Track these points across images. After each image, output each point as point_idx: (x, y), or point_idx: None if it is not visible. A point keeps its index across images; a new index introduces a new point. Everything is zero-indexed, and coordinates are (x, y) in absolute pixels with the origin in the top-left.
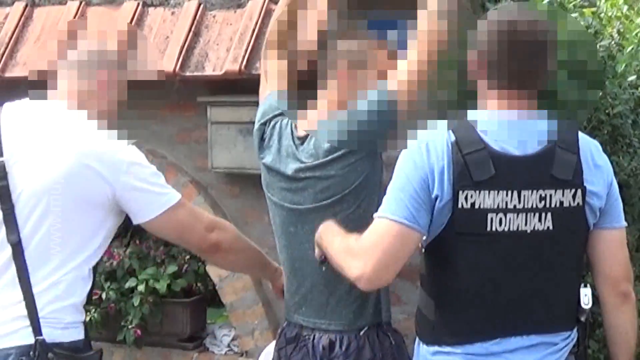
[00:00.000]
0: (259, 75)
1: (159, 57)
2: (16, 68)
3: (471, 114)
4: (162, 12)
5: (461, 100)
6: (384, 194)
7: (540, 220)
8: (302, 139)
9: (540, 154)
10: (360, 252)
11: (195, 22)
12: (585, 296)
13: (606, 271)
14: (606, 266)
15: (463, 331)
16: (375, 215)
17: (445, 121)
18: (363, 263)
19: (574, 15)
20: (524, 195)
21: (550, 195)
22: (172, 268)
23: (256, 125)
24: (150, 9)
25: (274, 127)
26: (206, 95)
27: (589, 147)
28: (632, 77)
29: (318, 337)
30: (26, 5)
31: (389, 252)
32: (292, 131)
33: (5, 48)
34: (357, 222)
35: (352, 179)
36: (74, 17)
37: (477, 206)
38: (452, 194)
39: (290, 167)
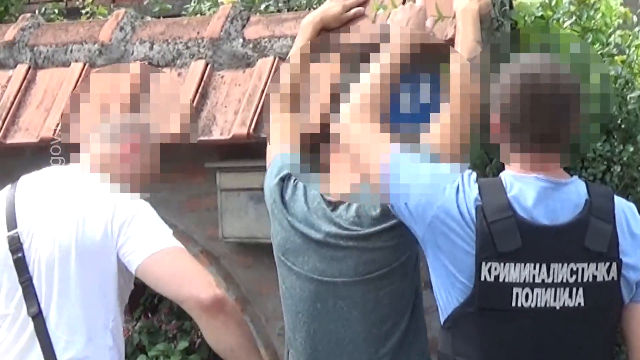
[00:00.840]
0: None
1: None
2: (18, 134)
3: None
4: (168, 72)
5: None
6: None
7: (570, 296)
8: (335, 203)
9: (573, 224)
10: None
11: (203, 83)
12: None
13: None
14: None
15: None
16: None
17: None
18: None
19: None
20: (554, 269)
21: (583, 269)
22: (183, 344)
23: (275, 181)
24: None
25: (295, 185)
26: (215, 161)
27: (625, 213)
28: None
29: None
30: (29, 68)
31: None
32: (320, 193)
33: (7, 113)
34: (396, 299)
35: (401, 251)
36: (78, 80)
37: (501, 279)
38: (475, 266)
39: (324, 231)
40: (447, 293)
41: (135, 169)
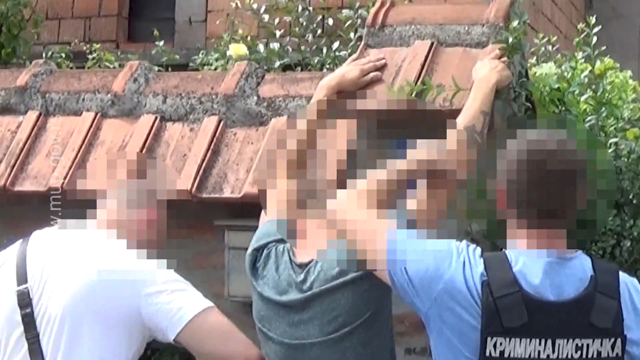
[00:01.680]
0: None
1: (176, 176)
2: (26, 182)
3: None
4: (180, 127)
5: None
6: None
7: None
8: (304, 266)
9: (579, 299)
10: None
11: (215, 139)
12: None
13: None
14: None
15: None
16: None
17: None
18: None
19: (614, 140)
20: (559, 345)
21: (588, 345)
22: None
23: (249, 251)
24: (168, 124)
25: (268, 255)
26: (224, 219)
27: (628, 288)
28: None
29: None
30: (39, 115)
31: None
32: (290, 259)
33: (16, 160)
34: (367, 356)
35: (364, 309)
36: (89, 129)
37: (507, 355)
38: (480, 341)
39: (292, 298)
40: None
41: (152, 234)
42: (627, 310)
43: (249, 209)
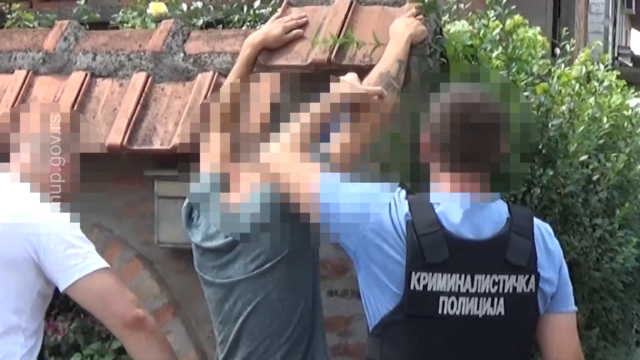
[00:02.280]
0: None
1: (99, 132)
2: None
3: (428, 195)
4: (110, 83)
5: (414, 180)
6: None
7: (492, 305)
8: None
9: (496, 239)
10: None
11: (144, 94)
12: None
13: (553, 356)
14: (554, 352)
15: None
16: None
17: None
18: None
19: (525, 93)
20: (477, 280)
21: (504, 281)
22: (117, 344)
23: (184, 204)
24: (99, 80)
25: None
26: (153, 169)
27: (541, 231)
28: (584, 157)
29: None
30: None
31: None
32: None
33: None
34: (289, 291)
35: (284, 247)
36: (22, 86)
37: (429, 288)
38: (405, 275)
39: (219, 242)
40: (376, 301)
41: (65, 183)
42: (540, 251)
43: (177, 160)
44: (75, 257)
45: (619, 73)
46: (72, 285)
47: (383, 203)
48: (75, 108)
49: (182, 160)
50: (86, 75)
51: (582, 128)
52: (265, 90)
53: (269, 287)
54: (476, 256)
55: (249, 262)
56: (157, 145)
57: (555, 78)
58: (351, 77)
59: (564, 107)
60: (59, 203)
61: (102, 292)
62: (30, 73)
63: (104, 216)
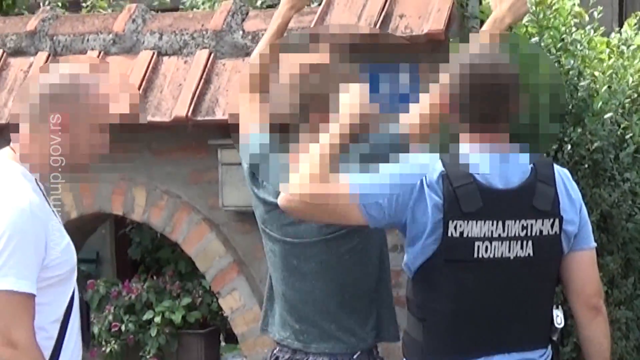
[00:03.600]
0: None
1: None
2: None
3: (462, 156)
4: (175, 60)
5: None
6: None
7: (522, 247)
8: None
9: (523, 187)
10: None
11: (207, 70)
12: (558, 317)
13: (579, 289)
14: (579, 284)
15: (450, 351)
16: None
17: (437, 155)
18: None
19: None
20: (508, 225)
21: (531, 225)
22: (186, 300)
23: (246, 165)
24: (165, 58)
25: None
26: (217, 138)
27: (562, 177)
28: (610, 114)
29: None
30: (49, 55)
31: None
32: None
33: None
34: (359, 256)
35: None
36: None
37: (465, 235)
38: (443, 224)
39: None
40: (417, 251)
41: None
42: (562, 196)
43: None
44: None
45: None
46: None
47: (416, 171)
48: (143, 84)
49: (234, 129)
50: (153, 53)
51: (605, 87)
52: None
53: (342, 250)
54: (506, 203)
55: (323, 225)
56: (219, 115)
57: (586, 44)
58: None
59: (592, 71)
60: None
61: None
62: (101, 53)
63: (173, 183)
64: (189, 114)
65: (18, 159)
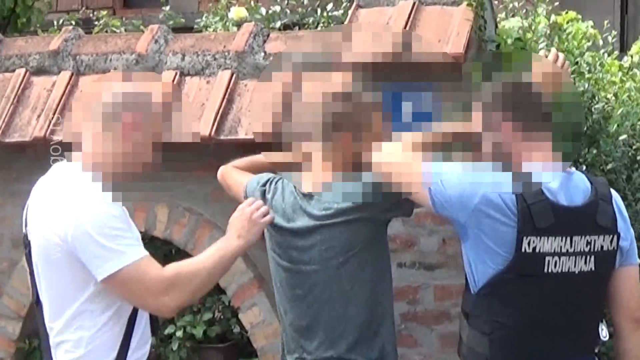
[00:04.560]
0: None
1: (195, 119)
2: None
3: (533, 175)
4: (198, 81)
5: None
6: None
7: (585, 262)
8: (309, 195)
9: (587, 205)
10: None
11: (229, 90)
12: (603, 330)
13: (624, 302)
14: (625, 298)
15: None
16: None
17: (510, 174)
18: None
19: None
20: (575, 241)
21: (595, 241)
22: (207, 315)
23: (257, 187)
24: (187, 78)
25: (275, 186)
26: (239, 157)
27: (615, 197)
28: (624, 136)
29: None
30: (72, 75)
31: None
32: (294, 187)
33: (54, 114)
34: (362, 284)
35: (355, 243)
36: None
37: (537, 250)
38: (516, 240)
39: (299, 225)
40: (484, 265)
41: (127, 165)
42: (618, 213)
43: (260, 149)
44: (110, 252)
45: None
46: (105, 279)
47: (488, 182)
48: None
49: (265, 148)
50: (176, 74)
51: (621, 110)
52: (335, 80)
53: (343, 278)
54: (573, 220)
55: (324, 250)
56: (242, 135)
57: (599, 67)
58: None
59: (606, 93)
60: (120, 193)
61: (131, 291)
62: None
63: (195, 200)
64: (212, 133)
65: (90, 169)
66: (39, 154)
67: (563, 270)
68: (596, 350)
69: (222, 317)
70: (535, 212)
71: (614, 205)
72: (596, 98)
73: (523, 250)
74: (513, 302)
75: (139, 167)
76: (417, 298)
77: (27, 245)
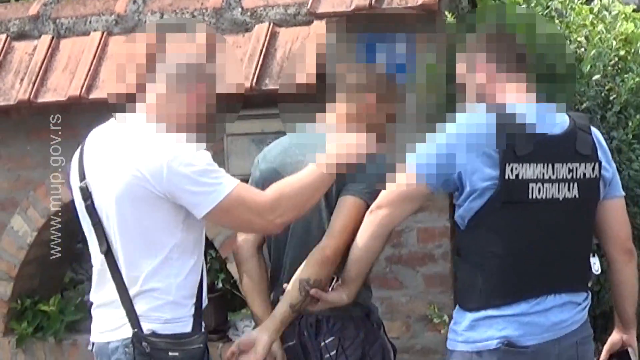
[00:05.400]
0: (267, 91)
1: (240, 70)
2: (47, 94)
3: (509, 107)
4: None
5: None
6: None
7: (569, 189)
8: None
9: (566, 134)
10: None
11: None
12: (595, 264)
13: (615, 234)
14: (615, 230)
15: (510, 292)
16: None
17: (484, 105)
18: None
19: None
20: (557, 168)
21: (576, 168)
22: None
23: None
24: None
25: None
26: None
27: (594, 130)
28: (597, 76)
29: (305, 318)
30: (52, 38)
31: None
32: None
33: (37, 76)
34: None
35: None
36: (98, 46)
37: (520, 177)
38: (500, 167)
39: None
40: (471, 200)
41: (193, 118)
42: (598, 144)
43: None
44: (197, 194)
45: (635, 7)
46: (205, 217)
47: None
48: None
49: (285, 100)
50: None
51: (593, 51)
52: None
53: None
54: (553, 148)
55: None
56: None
57: (570, 10)
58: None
59: (578, 36)
60: (184, 135)
61: (232, 220)
62: (104, 34)
63: None
64: None
65: (154, 120)
66: (23, 117)
67: (547, 197)
68: (589, 285)
69: (210, 267)
70: (514, 140)
71: (593, 136)
72: (569, 41)
73: (507, 177)
74: (500, 231)
75: (203, 119)
76: (401, 241)
77: (87, 197)
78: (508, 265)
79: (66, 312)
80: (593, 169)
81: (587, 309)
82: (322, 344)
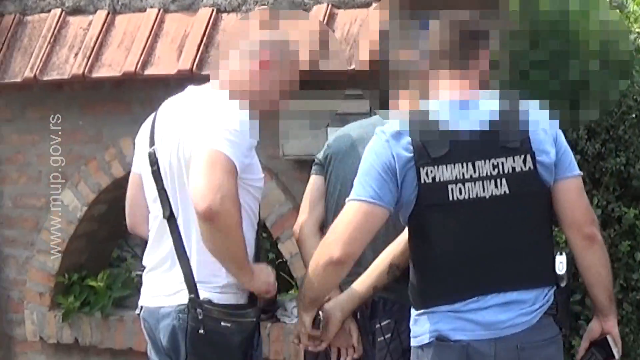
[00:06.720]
0: (323, 72)
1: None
2: (102, 69)
3: (422, 104)
4: (234, 17)
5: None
6: None
7: (496, 186)
8: None
9: (491, 128)
10: (332, 235)
11: None
12: (560, 263)
13: (569, 218)
14: (569, 213)
15: (444, 293)
16: (346, 200)
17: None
18: (335, 242)
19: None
20: (478, 166)
21: (502, 163)
22: None
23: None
24: (224, 15)
25: None
26: None
27: (530, 109)
28: None
29: None
30: (108, 13)
31: (358, 227)
32: None
33: (91, 52)
34: None
35: None
36: (154, 22)
37: (437, 179)
38: (415, 172)
39: None
40: (403, 204)
41: (260, 85)
42: (533, 129)
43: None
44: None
45: None
46: None
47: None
48: (204, 40)
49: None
50: (212, 10)
51: None
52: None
53: None
54: (474, 145)
55: None
56: None
57: (630, 1)
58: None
59: (638, 26)
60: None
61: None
62: (161, 11)
63: None
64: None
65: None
66: (76, 91)
67: (471, 197)
68: (562, 285)
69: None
70: (427, 142)
71: (529, 121)
72: (629, 30)
73: (423, 181)
74: (427, 233)
75: (275, 106)
76: None
77: (154, 162)
78: (440, 267)
79: (114, 287)
80: (524, 161)
81: (539, 309)
82: (377, 325)
